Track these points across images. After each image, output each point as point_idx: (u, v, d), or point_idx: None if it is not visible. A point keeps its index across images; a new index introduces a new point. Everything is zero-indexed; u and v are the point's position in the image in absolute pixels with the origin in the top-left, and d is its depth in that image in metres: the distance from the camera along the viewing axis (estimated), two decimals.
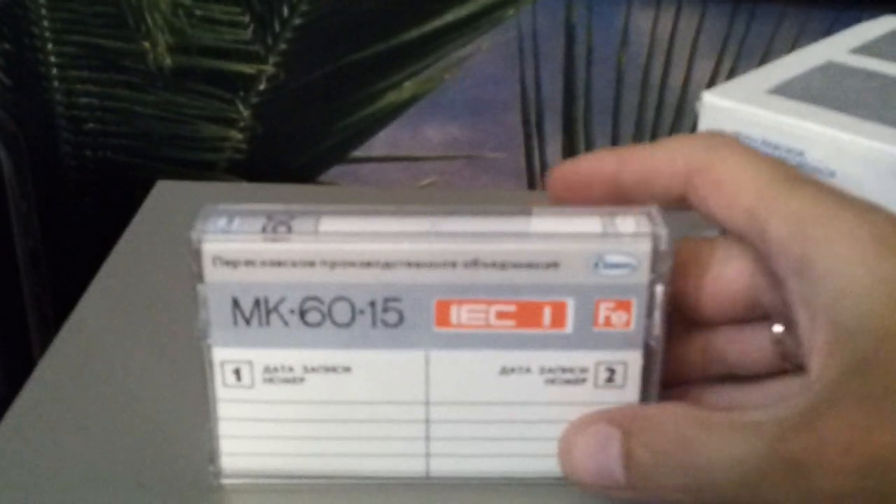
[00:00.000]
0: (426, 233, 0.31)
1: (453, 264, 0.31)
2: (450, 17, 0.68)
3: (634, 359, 0.33)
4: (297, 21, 0.69)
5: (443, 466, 0.34)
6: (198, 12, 0.70)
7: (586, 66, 0.68)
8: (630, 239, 0.31)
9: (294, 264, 0.32)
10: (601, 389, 0.33)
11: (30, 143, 0.73)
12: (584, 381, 0.33)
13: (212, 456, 0.34)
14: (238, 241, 0.31)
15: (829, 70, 0.40)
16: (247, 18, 0.70)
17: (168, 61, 0.71)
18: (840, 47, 0.42)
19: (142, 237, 0.48)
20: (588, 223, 0.32)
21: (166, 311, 0.43)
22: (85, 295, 0.44)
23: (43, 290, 0.68)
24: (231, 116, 0.72)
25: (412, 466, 0.34)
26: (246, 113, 0.72)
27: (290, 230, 0.31)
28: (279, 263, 0.32)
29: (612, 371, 0.33)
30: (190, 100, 0.72)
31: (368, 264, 0.32)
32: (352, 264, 0.32)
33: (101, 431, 0.37)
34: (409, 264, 0.31)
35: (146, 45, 0.71)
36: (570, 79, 0.69)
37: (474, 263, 0.31)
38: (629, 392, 0.33)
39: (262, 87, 0.71)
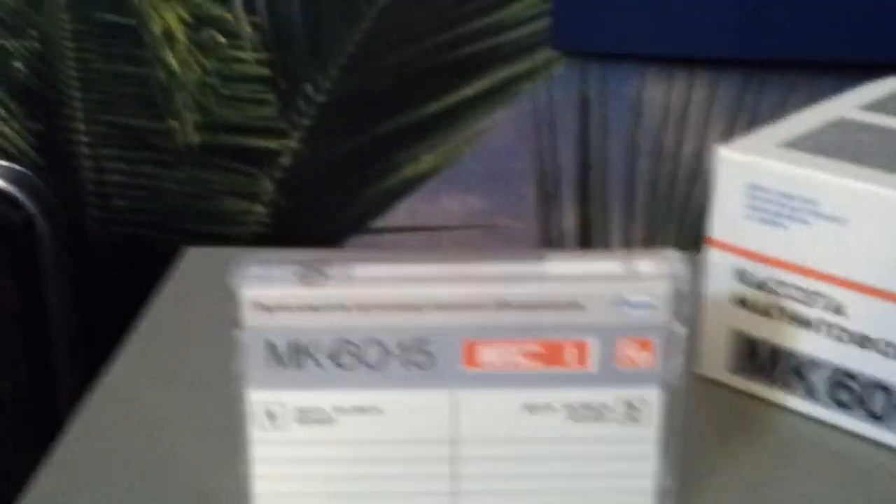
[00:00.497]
0: (454, 276, 0.33)
1: (480, 306, 0.33)
2: (468, 91, 0.71)
3: (654, 396, 0.34)
4: (321, 98, 0.72)
5: None
6: (224, 91, 0.72)
7: (601, 137, 0.70)
8: (650, 279, 0.33)
9: (328, 308, 0.33)
10: (622, 426, 0.34)
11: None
12: (605, 417, 0.34)
13: (248, 498, 0.35)
14: (275, 287, 0.33)
15: (840, 125, 0.41)
16: (271, 96, 0.72)
17: (195, 139, 0.74)
18: (849, 105, 0.44)
19: (173, 298, 0.50)
20: (608, 265, 0.33)
21: (198, 366, 0.44)
22: (118, 354, 0.45)
23: (74, 355, 0.69)
24: (255, 191, 0.74)
25: None
26: (270, 188, 0.74)
27: (324, 276, 0.33)
28: (314, 308, 0.33)
29: (633, 408, 0.34)
30: (216, 175, 0.74)
31: (399, 307, 0.33)
32: (383, 308, 0.33)
33: (139, 480, 0.38)
34: (438, 306, 0.33)
35: (174, 123, 0.73)
36: (584, 149, 0.71)
37: (501, 305, 0.33)
38: (649, 429, 0.34)
39: (286, 162, 0.73)
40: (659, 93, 0.69)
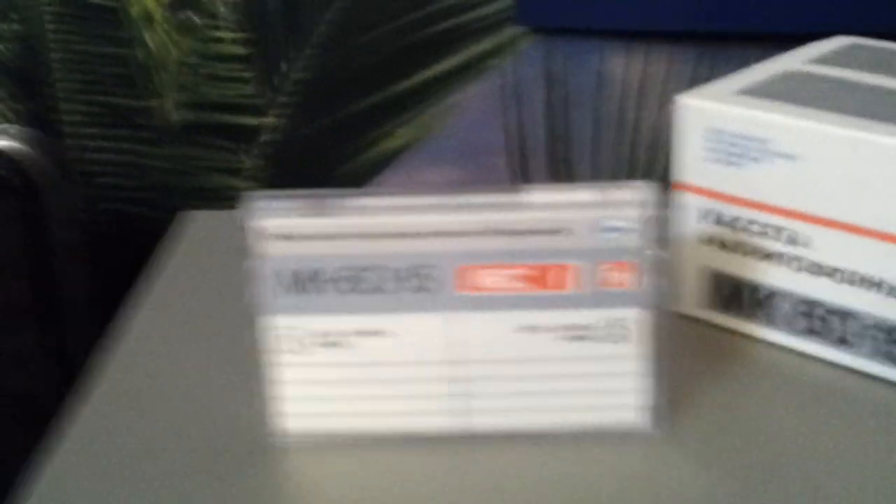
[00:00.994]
0: (449, 206, 0.36)
1: (473, 233, 0.36)
2: (440, 67, 0.74)
3: (636, 315, 0.37)
4: (298, 76, 0.75)
5: (472, 421, 0.39)
6: (203, 70, 0.75)
7: (566, 109, 0.74)
8: (627, 206, 0.36)
9: (335, 237, 0.36)
10: (608, 345, 0.38)
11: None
12: (591, 337, 0.38)
13: (270, 419, 0.38)
14: (286, 217, 0.36)
15: (790, 76, 0.45)
16: (249, 75, 0.75)
17: (176, 117, 0.76)
18: (798, 59, 0.48)
19: (179, 253, 0.53)
20: (587, 195, 0.37)
21: (209, 313, 0.47)
22: (132, 306, 0.48)
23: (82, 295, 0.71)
24: (236, 167, 0.77)
25: (444, 422, 0.38)
26: (249, 163, 0.77)
27: (330, 208, 0.36)
28: (320, 237, 0.36)
29: (617, 327, 0.38)
30: (197, 152, 0.77)
31: (400, 235, 0.36)
32: (386, 236, 0.36)
33: (168, 411, 0.41)
34: (435, 234, 0.36)
35: (155, 102, 0.76)
36: (551, 121, 0.74)
37: (492, 232, 0.36)
38: (633, 347, 0.38)
39: (264, 138, 0.76)
40: (619, 66, 0.73)
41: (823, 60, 0.47)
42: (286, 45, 0.74)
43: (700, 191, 0.44)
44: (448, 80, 0.74)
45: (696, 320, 0.46)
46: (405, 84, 0.74)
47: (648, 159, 0.74)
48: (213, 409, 0.41)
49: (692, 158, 0.44)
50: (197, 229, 0.56)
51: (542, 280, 0.37)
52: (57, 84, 0.76)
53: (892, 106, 0.42)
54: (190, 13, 0.74)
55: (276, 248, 0.36)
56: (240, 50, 0.74)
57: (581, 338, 0.38)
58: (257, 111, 0.75)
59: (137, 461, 0.38)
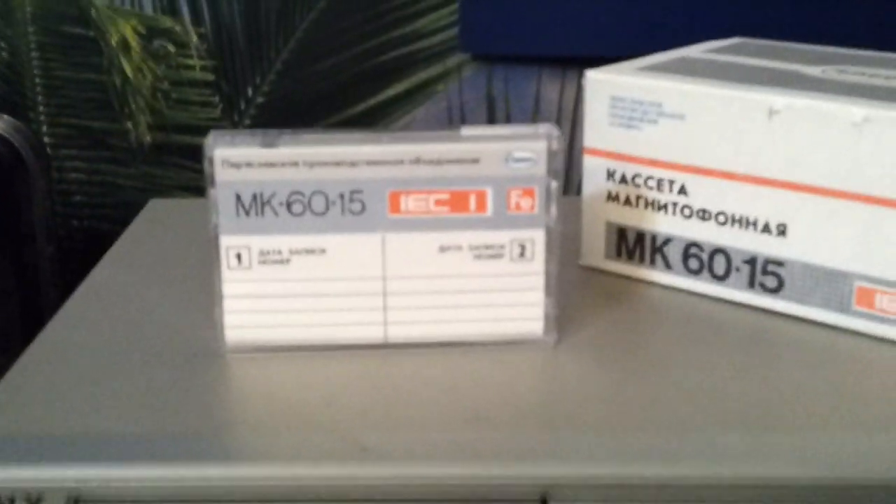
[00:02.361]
0: (381, 138, 0.43)
1: (401, 161, 0.43)
2: (390, 92, 0.81)
3: (539, 236, 0.44)
4: (260, 100, 0.82)
5: (398, 332, 0.45)
6: (174, 95, 0.82)
7: None
8: (531, 139, 0.43)
9: (282, 165, 0.43)
10: (515, 262, 0.44)
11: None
12: (502, 255, 0.44)
13: (218, 330, 0.44)
14: (240, 148, 0.42)
15: (683, 59, 0.52)
16: (216, 99, 0.82)
17: (148, 138, 0.83)
18: (693, 50, 0.55)
19: (147, 223, 0.59)
20: (500, 131, 0.43)
21: (171, 266, 0.53)
22: (102, 260, 0.54)
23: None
24: (203, 186, 0.83)
25: (371, 332, 0.44)
26: None
27: (279, 141, 0.43)
28: (271, 164, 0.43)
29: (522, 247, 0.44)
30: (166, 172, 0.83)
31: (338, 163, 0.43)
32: (326, 164, 0.43)
33: (129, 329, 0.46)
34: (369, 163, 0.43)
35: (129, 125, 0.83)
36: None
37: (417, 160, 0.43)
38: (536, 264, 0.44)
39: None
40: (555, 90, 0.80)
41: (714, 50, 0.55)
42: (251, 72, 0.81)
43: (604, 153, 0.51)
44: (398, 104, 0.81)
45: (603, 272, 0.53)
46: (359, 107, 0.81)
47: (579, 181, 0.81)
48: (169, 326, 0.47)
49: (597, 125, 0.50)
50: (166, 212, 0.62)
51: (460, 204, 0.43)
52: (38, 108, 0.83)
53: (762, 76, 0.49)
54: (164, 42, 0.81)
55: (229, 176, 0.43)
56: (208, 76, 0.81)
57: (491, 256, 0.44)
58: None
59: (100, 368, 0.43)
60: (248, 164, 0.43)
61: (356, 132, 0.43)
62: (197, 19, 0.80)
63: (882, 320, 0.45)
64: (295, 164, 0.43)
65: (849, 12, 0.74)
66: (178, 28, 0.80)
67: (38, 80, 0.82)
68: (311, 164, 0.43)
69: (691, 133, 0.48)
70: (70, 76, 0.82)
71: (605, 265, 0.53)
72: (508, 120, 0.81)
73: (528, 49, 0.78)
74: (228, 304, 0.44)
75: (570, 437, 0.38)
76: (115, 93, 0.82)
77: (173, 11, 0.80)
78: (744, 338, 0.46)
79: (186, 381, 0.42)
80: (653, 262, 0.51)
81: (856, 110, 0.44)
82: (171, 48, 0.81)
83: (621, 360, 0.44)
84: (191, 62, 0.81)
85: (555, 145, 0.43)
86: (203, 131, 0.82)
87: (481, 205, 0.43)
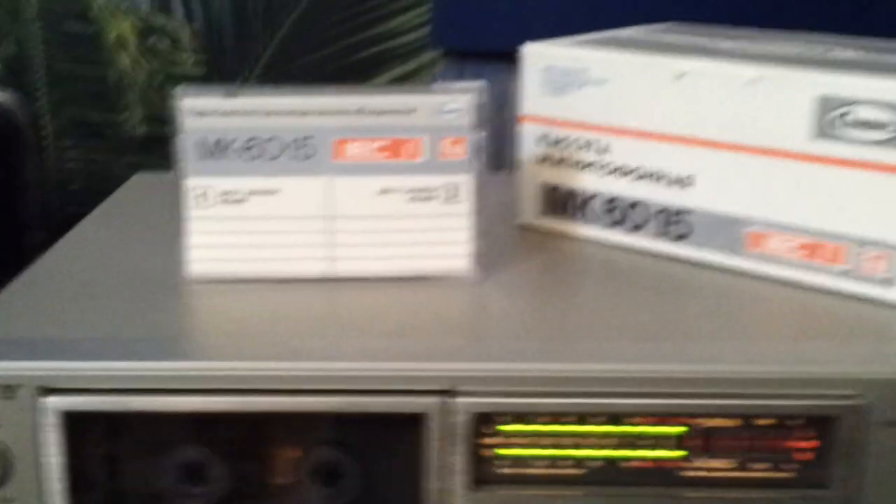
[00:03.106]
0: (329, 91, 0.49)
1: (346, 112, 0.49)
2: (369, 85, 0.87)
3: (467, 181, 0.50)
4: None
5: (338, 266, 0.50)
6: (167, 88, 0.88)
7: None
8: (460, 92, 0.49)
9: (242, 114, 0.49)
10: (445, 204, 0.50)
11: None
12: (434, 198, 0.50)
13: (184, 263, 0.50)
14: (205, 98, 0.48)
15: (615, 36, 0.58)
16: None
17: (142, 129, 0.89)
18: (628, 30, 0.61)
19: (128, 190, 0.65)
20: (435, 87, 0.49)
21: (146, 221, 0.59)
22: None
23: None
24: None
25: (317, 266, 0.50)
26: None
27: (240, 93, 0.49)
28: (232, 113, 0.49)
29: (451, 190, 0.50)
30: (160, 161, 0.90)
31: (290, 113, 0.49)
32: (280, 113, 0.49)
33: (104, 265, 0.52)
34: (318, 112, 0.49)
35: (125, 116, 0.89)
36: None
37: (360, 111, 0.49)
38: (463, 206, 0.50)
39: None
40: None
41: (645, 30, 0.61)
42: (239, 66, 0.87)
43: (537, 119, 0.56)
44: None
45: (538, 228, 0.58)
46: None
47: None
48: (141, 265, 0.52)
49: (532, 94, 0.56)
50: (149, 183, 0.68)
51: (398, 151, 0.49)
52: (42, 99, 0.89)
53: (677, 47, 0.55)
54: (158, 38, 0.87)
55: (195, 123, 0.49)
56: (199, 71, 0.87)
57: (425, 198, 0.50)
58: None
59: (76, 296, 0.49)
60: (212, 113, 0.49)
61: (308, 87, 0.49)
62: (189, 17, 0.86)
63: (770, 260, 0.51)
64: (253, 113, 0.49)
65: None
66: (171, 25, 0.87)
67: (42, 74, 0.89)
68: (267, 113, 0.49)
69: (612, 97, 0.54)
70: (71, 70, 0.88)
71: (538, 222, 0.58)
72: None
73: (498, 45, 0.84)
74: (193, 239, 0.50)
75: (477, 342, 0.44)
76: (112, 86, 0.88)
77: (167, 10, 0.86)
78: (652, 278, 0.51)
79: (152, 304, 0.48)
80: (579, 216, 0.56)
81: (748, 70, 0.49)
82: (165, 44, 0.87)
83: (538, 293, 0.50)
84: (182, 57, 0.87)
85: (481, 98, 0.49)
86: None
87: (416, 152, 0.49)
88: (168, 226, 0.57)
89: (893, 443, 0.42)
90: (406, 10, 0.85)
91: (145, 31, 0.87)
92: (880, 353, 0.43)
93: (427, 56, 0.86)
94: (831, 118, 0.48)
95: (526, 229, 0.58)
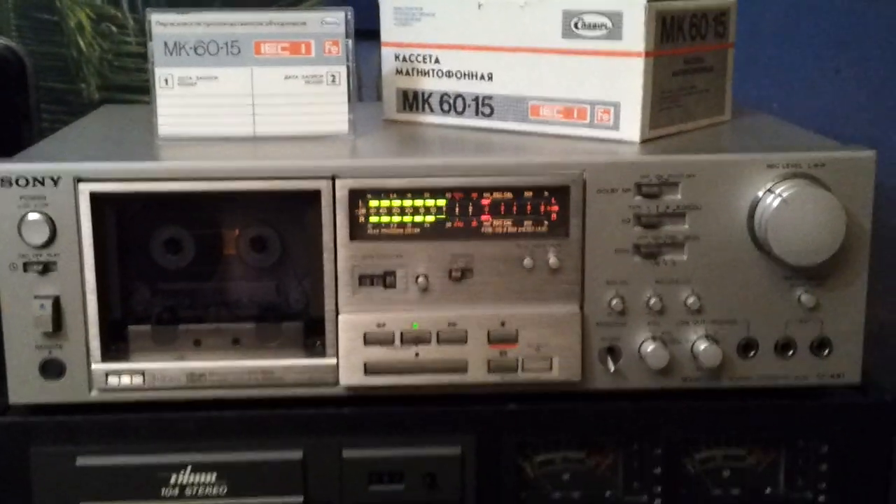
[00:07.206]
0: (251, 10, 0.75)
1: (261, 23, 0.75)
2: None
3: (343, 70, 0.76)
4: None
5: (260, 129, 0.76)
6: (116, 63, 1.13)
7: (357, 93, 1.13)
8: (336, 11, 0.75)
9: (197, 24, 0.75)
10: (328, 87, 0.76)
11: None
12: (322, 82, 0.76)
13: (154, 128, 0.76)
14: (169, 14, 0.74)
15: None
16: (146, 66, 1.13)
17: (97, 96, 1.14)
18: None
19: (95, 117, 0.90)
20: (319, 8, 0.76)
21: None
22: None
23: None
24: None
25: (245, 129, 0.76)
26: None
27: (191, 10, 0.74)
28: (190, 24, 0.74)
29: (333, 78, 0.76)
30: None
31: (223, 24, 0.75)
32: (218, 24, 0.75)
33: (90, 140, 0.77)
34: (242, 24, 0.75)
35: (83, 85, 1.14)
36: None
37: (270, 23, 0.75)
38: (341, 87, 0.76)
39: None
40: None
41: None
42: None
43: (392, 44, 0.83)
44: None
45: (397, 121, 0.85)
46: None
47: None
48: (121, 137, 0.78)
49: (387, 26, 0.83)
50: (116, 110, 0.93)
51: (296, 49, 0.76)
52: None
53: None
54: (108, 24, 1.13)
55: (160, 31, 0.74)
56: (141, 49, 1.13)
57: (315, 82, 0.76)
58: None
59: (95, 140, 0.74)
60: (171, 24, 0.74)
61: (236, 8, 0.75)
62: (133, 8, 1.12)
63: (544, 123, 0.78)
64: (200, 24, 0.75)
65: None
66: (119, 14, 1.12)
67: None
68: (209, 24, 0.75)
69: (438, 24, 0.81)
70: (40, 50, 1.13)
71: (397, 117, 0.85)
72: (360, 83, 1.13)
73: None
74: (161, 111, 0.76)
75: (352, 152, 0.70)
76: (72, 62, 1.13)
77: (116, 2, 1.12)
78: (471, 141, 0.78)
79: (140, 145, 0.73)
80: (424, 109, 0.83)
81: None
82: (114, 29, 1.12)
83: (396, 148, 0.77)
84: (128, 39, 1.13)
85: (349, 17, 0.76)
86: (138, 91, 1.13)
87: (308, 50, 0.76)
88: (139, 117, 0.82)
89: (602, 205, 0.69)
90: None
91: (98, 19, 1.12)
92: (599, 150, 0.70)
93: None
94: (572, 24, 0.75)
95: (389, 123, 0.85)
